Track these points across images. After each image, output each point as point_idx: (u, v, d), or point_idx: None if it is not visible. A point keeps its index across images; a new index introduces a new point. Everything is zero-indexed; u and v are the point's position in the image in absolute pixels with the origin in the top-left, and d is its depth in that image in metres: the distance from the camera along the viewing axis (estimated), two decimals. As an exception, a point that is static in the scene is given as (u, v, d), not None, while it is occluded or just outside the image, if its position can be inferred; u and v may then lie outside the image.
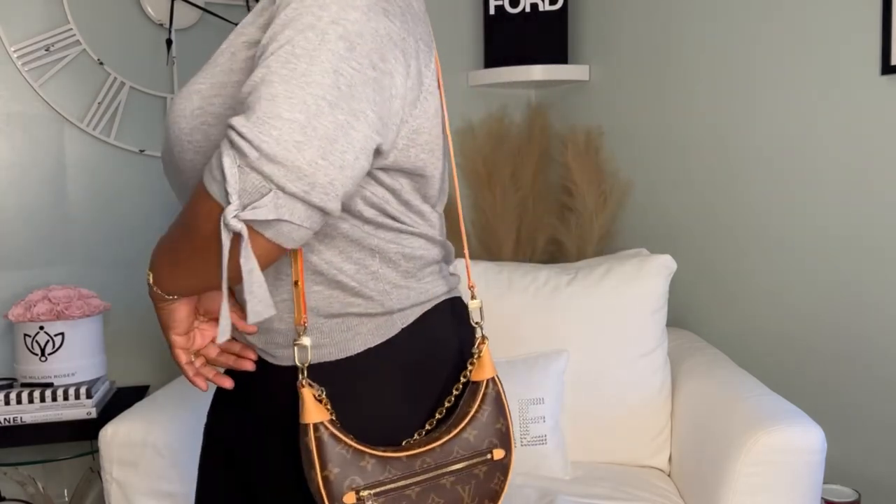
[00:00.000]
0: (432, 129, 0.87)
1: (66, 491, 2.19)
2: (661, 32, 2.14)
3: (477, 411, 0.88)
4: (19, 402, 1.88)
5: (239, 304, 0.89)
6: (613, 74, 2.32)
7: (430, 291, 0.91)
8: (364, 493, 0.80)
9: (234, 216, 0.71)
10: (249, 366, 0.92)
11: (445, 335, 0.92)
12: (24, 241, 2.15)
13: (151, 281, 0.86)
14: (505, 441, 0.89)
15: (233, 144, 0.71)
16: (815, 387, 1.77)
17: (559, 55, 2.41)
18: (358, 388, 0.86)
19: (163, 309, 0.89)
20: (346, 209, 0.84)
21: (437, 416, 0.89)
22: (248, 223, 0.71)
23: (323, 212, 0.74)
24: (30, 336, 1.93)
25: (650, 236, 2.22)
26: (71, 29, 2.13)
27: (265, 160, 0.70)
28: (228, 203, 0.71)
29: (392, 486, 0.82)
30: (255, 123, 0.71)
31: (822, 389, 1.76)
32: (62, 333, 1.94)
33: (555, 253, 2.47)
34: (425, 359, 0.89)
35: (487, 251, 2.48)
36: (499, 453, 0.87)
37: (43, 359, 1.94)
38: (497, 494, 0.87)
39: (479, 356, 0.90)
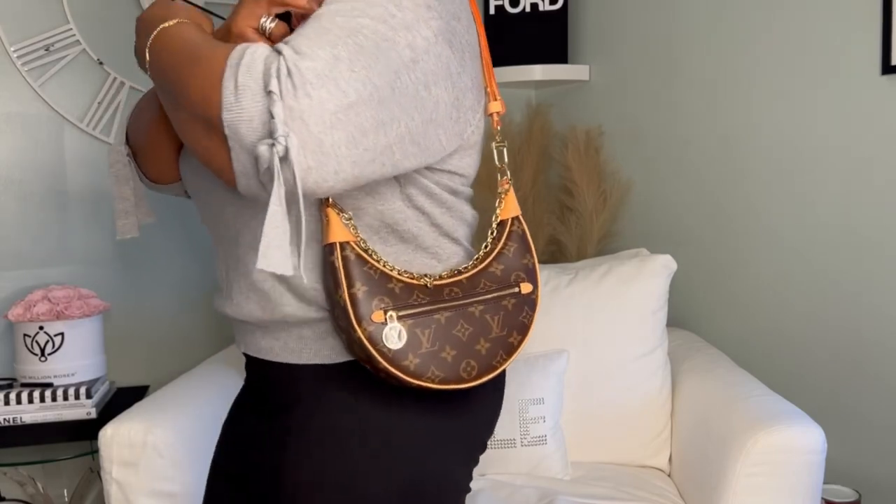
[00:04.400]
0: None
1: (65, 491, 2.18)
2: (662, 32, 2.14)
3: (503, 247, 0.89)
4: (19, 402, 1.88)
5: None
6: (613, 74, 2.32)
7: None
8: (392, 313, 0.80)
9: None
10: None
11: None
12: (24, 241, 2.15)
13: None
14: (532, 276, 0.90)
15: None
16: (815, 387, 1.77)
17: (559, 55, 2.41)
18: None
19: None
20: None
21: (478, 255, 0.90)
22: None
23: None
24: (29, 336, 1.93)
25: (650, 236, 2.22)
26: (71, 29, 2.13)
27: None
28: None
29: (421, 309, 0.82)
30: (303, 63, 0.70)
31: (822, 389, 1.76)
32: (62, 333, 1.94)
33: (555, 253, 2.47)
34: None
35: (487, 251, 2.47)
36: (526, 287, 0.89)
37: (43, 359, 1.93)
38: (525, 328, 0.88)
39: (505, 195, 0.93)
